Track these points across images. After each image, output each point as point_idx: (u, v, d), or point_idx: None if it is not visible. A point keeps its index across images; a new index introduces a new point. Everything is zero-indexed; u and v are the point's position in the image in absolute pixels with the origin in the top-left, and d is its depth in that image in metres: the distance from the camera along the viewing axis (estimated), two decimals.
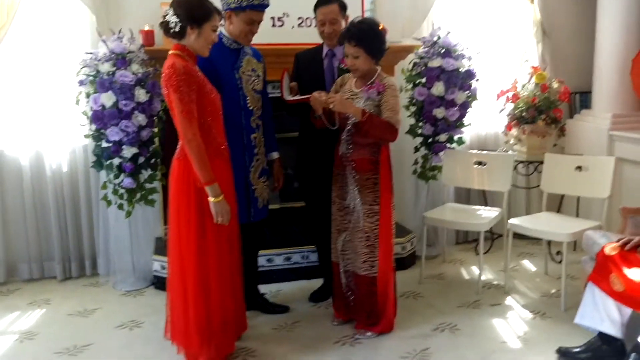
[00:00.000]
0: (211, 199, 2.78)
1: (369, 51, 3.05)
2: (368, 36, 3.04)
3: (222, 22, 3.04)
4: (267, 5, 3.25)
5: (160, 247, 4.19)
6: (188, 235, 2.85)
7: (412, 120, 4.37)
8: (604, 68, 4.54)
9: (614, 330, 2.93)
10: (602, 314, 2.95)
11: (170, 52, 2.81)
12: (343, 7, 3.47)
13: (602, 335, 2.99)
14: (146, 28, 4.02)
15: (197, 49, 2.83)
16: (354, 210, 3.22)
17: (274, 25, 4.26)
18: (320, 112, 3.18)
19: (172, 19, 2.76)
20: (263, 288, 3.82)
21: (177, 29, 2.77)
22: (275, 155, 3.59)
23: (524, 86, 4.51)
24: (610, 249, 2.99)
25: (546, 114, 4.39)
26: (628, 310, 2.90)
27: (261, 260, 3.95)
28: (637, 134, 4.26)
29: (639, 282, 2.78)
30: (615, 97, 4.49)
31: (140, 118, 3.72)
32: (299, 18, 4.29)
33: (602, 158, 4.02)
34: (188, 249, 2.86)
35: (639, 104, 4.47)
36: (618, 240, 3.04)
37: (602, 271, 2.96)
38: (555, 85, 4.47)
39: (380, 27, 3.17)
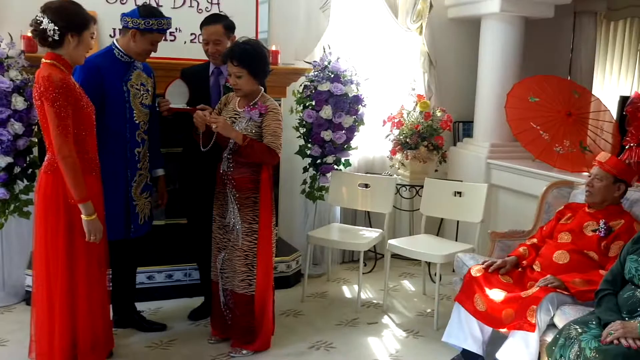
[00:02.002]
0: (84, 217, 2.70)
1: (252, 72, 3.09)
2: (251, 57, 3.07)
3: (116, 36, 3.00)
4: (169, 28, 3.31)
5: None
6: (56, 251, 2.75)
7: (302, 141, 4.45)
8: (484, 100, 4.83)
9: (475, 347, 3.09)
10: (465, 333, 3.12)
11: (44, 61, 2.71)
12: (228, 28, 3.50)
13: (465, 353, 3.15)
14: (28, 32, 3.87)
15: (74, 57, 2.76)
16: (233, 228, 3.23)
17: (165, 40, 4.21)
18: (202, 130, 3.18)
19: (50, 26, 2.65)
20: (143, 305, 3.74)
21: (55, 37, 2.68)
22: (160, 172, 3.55)
23: (409, 113, 4.70)
24: (476, 270, 3.17)
25: (428, 140, 4.61)
26: (489, 329, 3.07)
27: (141, 277, 3.87)
28: (510, 162, 4.54)
29: (499, 302, 2.96)
30: (493, 127, 4.78)
31: (17, 126, 3.56)
32: (192, 34, 4.28)
33: (476, 185, 4.25)
34: (55, 265, 2.76)
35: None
36: (483, 263, 3.23)
37: (468, 291, 3.13)
38: (438, 113, 4.70)
39: (264, 48, 3.21)
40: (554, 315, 2.78)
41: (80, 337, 2.83)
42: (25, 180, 3.78)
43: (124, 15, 3.22)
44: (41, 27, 2.66)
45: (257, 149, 3.11)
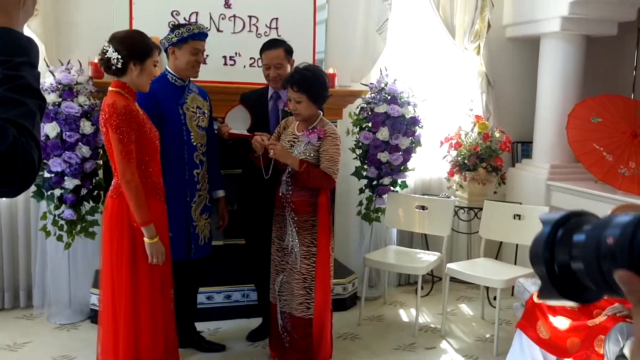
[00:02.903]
0: (147, 240, 2.78)
1: (311, 97, 3.12)
2: (311, 83, 3.11)
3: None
4: (206, 34, 3.34)
5: (99, 281, 4.13)
6: (120, 273, 2.84)
7: (358, 163, 4.46)
8: (544, 120, 4.73)
9: None
10: None
11: (110, 89, 2.83)
12: (289, 52, 3.55)
13: None
14: (96, 60, 4.02)
15: (138, 84, 2.86)
16: (292, 251, 3.25)
17: (225, 64, 4.33)
18: (260, 153, 3.23)
19: (114, 55, 2.77)
20: (201, 326, 3.79)
21: (119, 66, 2.79)
22: (220, 193, 3.61)
23: (467, 134, 4.65)
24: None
25: (487, 162, 4.54)
26: (552, 358, 2.98)
27: (201, 298, 3.93)
28: (571, 184, 4.43)
29: (564, 331, 2.87)
30: (553, 148, 4.68)
31: (84, 150, 3.71)
32: (251, 58, 4.36)
33: (537, 207, 4.16)
34: (120, 286, 2.84)
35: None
36: None
37: (530, 318, 3.05)
38: (497, 134, 4.64)
39: (324, 74, 3.25)
40: (623, 346, 2.67)
41: (143, 354, 2.89)
42: (91, 202, 3.91)
43: (161, 40, 3.31)
44: (106, 55, 2.78)
45: (313, 175, 3.13)
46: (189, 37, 3.22)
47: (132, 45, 2.79)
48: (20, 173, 1.08)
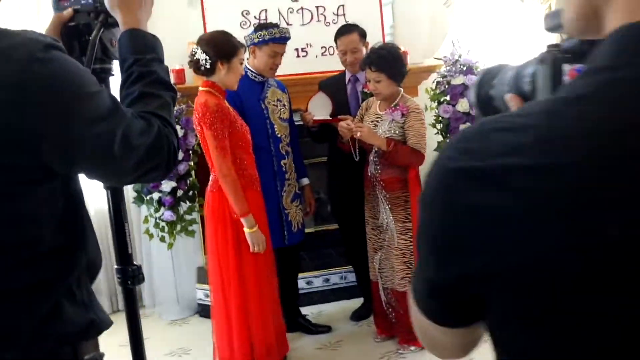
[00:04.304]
0: (247, 230, 2.91)
1: (390, 75, 3.16)
2: (387, 61, 3.14)
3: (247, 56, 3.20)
4: (288, 38, 3.40)
5: (202, 276, 4.32)
6: (227, 264, 2.98)
7: (440, 138, 4.46)
8: None
9: None
10: None
11: (201, 89, 2.96)
12: (363, 35, 3.60)
13: None
14: (177, 67, 4.21)
15: (227, 83, 2.98)
16: (387, 228, 3.31)
17: (298, 56, 4.42)
18: (347, 138, 3.30)
19: (202, 56, 2.91)
20: (304, 310, 3.90)
21: (207, 66, 2.92)
22: (305, 181, 3.70)
23: None
24: None
25: None
26: None
27: (301, 283, 4.04)
28: None
29: None
30: None
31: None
32: (322, 47, 4.43)
33: None
34: (228, 277, 2.99)
35: None
36: None
37: None
38: None
39: (399, 51, 3.28)
40: None
41: (256, 342, 3.03)
42: (187, 202, 4.10)
43: (245, 37, 3.40)
44: (195, 57, 2.92)
45: (401, 153, 3.17)
46: (270, 40, 3.30)
47: (218, 46, 2.91)
48: (167, 159, 1.19)
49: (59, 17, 1.41)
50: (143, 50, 1.31)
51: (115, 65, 1.45)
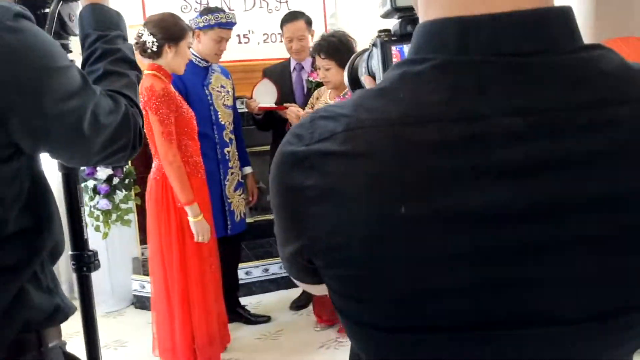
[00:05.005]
0: (191, 219, 2.84)
1: (340, 63, 3.14)
2: (338, 48, 3.14)
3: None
4: (234, 23, 3.34)
5: (138, 267, 4.22)
6: (170, 254, 2.90)
7: None
8: None
9: None
10: None
11: (146, 72, 2.86)
12: (309, 23, 3.59)
13: None
14: None
15: (174, 67, 2.89)
16: None
17: (240, 42, 4.36)
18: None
19: (149, 38, 2.81)
20: (243, 300, 3.87)
21: (154, 49, 2.82)
22: (248, 169, 3.67)
23: None
24: None
25: None
26: None
27: (240, 274, 4.00)
28: None
29: None
30: None
31: None
32: (264, 34, 4.40)
33: None
34: (171, 267, 2.91)
35: None
36: None
37: None
38: None
39: (350, 39, 3.28)
40: None
41: (198, 333, 2.97)
42: (124, 190, 3.97)
43: (189, 20, 3.33)
44: (142, 39, 2.81)
45: None
46: (216, 24, 3.24)
47: (166, 28, 2.82)
48: (132, 140, 1.15)
49: None
50: (107, 27, 1.25)
51: (74, 41, 1.37)
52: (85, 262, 1.41)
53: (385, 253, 0.55)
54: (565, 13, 0.56)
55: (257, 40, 4.40)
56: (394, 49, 0.85)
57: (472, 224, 0.53)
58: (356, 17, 4.67)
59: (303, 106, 3.48)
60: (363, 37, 4.58)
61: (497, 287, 0.54)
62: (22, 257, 1.02)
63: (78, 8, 1.34)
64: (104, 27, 1.24)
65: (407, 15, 0.88)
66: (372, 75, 0.94)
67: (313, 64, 3.58)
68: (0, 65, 0.92)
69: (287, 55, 3.71)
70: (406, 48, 0.85)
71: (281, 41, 3.97)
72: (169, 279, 2.93)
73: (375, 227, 0.55)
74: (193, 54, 3.32)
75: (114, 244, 4.18)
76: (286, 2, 4.44)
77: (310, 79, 3.52)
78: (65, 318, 1.13)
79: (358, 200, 0.55)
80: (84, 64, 1.24)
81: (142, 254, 4.33)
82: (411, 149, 0.53)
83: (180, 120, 2.86)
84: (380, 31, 0.90)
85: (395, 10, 0.88)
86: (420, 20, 0.61)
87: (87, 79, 1.07)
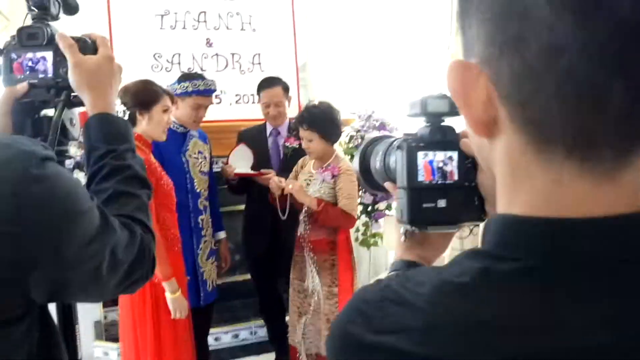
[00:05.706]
0: (169, 295, 2.73)
1: (322, 134, 3.12)
2: (320, 120, 3.11)
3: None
4: (213, 91, 3.30)
5: (100, 332, 4.03)
6: (144, 328, 2.78)
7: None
8: None
9: None
10: None
11: None
12: (286, 89, 3.58)
13: None
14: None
15: (151, 134, 2.80)
16: (314, 292, 3.23)
17: (212, 103, 4.30)
18: (278, 193, 3.21)
19: (120, 107, 2.73)
20: None
21: (125, 117, 2.75)
22: (221, 234, 3.58)
23: None
24: None
25: None
26: None
27: (209, 339, 3.87)
28: None
29: None
30: None
31: None
32: (237, 95, 4.36)
33: None
34: (144, 341, 2.78)
35: None
36: None
37: None
38: None
39: (334, 110, 3.23)
40: None
41: None
42: None
43: (167, 85, 3.28)
44: None
45: (331, 214, 3.11)
46: (194, 92, 3.19)
47: (134, 95, 2.74)
48: (146, 272, 1.09)
49: (12, 91, 1.25)
50: (115, 140, 1.19)
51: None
52: None
53: None
54: None
55: (229, 100, 4.35)
56: (421, 157, 0.82)
57: None
58: (328, 83, 4.70)
59: (279, 172, 3.43)
60: (334, 103, 4.64)
61: None
62: None
63: (78, 110, 1.28)
64: (112, 140, 1.18)
65: (437, 121, 0.85)
66: (390, 176, 0.93)
67: (289, 129, 3.56)
68: (26, 217, 0.84)
69: (260, 116, 3.69)
70: (434, 157, 0.82)
71: (254, 102, 3.94)
72: (140, 351, 2.80)
73: None
74: (172, 119, 3.26)
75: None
76: (259, 63, 4.42)
77: (287, 144, 3.49)
78: None
79: None
80: (90, 180, 1.17)
81: (105, 318, 4.15)
82: (487, 356, 0.50)
83: (159, 192, 2.77)
84: (406, 134, 0.87)
85: (425, 115, 0.85)
86: (498, 209, 0.58)
87: (106, 217, 0.99)
